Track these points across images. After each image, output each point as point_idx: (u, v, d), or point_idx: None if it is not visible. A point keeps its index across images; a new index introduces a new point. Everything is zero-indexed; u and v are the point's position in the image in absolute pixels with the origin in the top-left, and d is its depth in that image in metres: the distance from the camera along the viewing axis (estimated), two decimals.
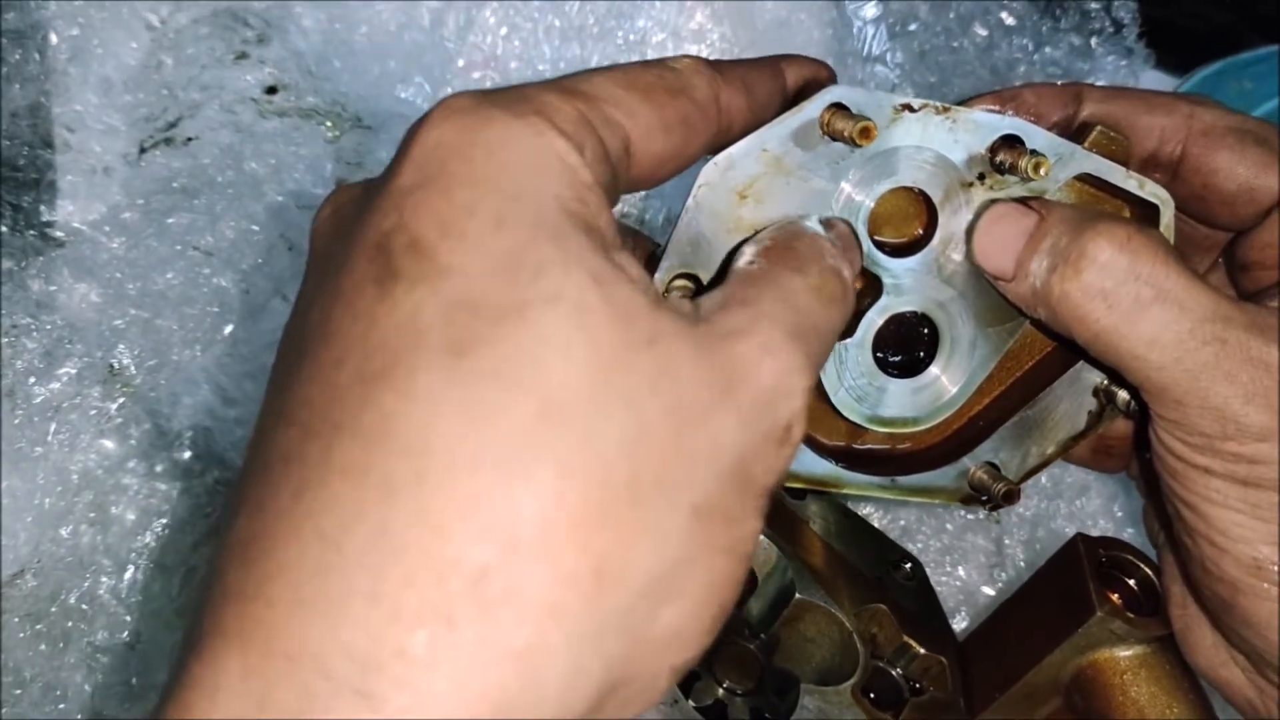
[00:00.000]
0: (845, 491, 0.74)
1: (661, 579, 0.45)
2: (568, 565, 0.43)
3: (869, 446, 0.74)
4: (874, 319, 0.69)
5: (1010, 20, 1.25)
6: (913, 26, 1.24)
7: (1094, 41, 1.26)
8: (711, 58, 0.61)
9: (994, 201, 0.67)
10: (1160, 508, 0.71)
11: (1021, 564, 1.13)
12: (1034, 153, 0.64)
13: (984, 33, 1.24)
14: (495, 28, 1.21)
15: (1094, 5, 1.27)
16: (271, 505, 0.44)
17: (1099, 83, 1.13)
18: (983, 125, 0.65)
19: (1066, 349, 0.71)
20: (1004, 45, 1.24)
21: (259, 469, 0.46)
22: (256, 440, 0.48)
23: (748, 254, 0.57)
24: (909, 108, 0.64)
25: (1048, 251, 0.64)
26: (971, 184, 0.66)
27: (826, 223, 0.62)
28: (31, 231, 1.07)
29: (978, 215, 0.67)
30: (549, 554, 0.43)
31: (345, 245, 0.49)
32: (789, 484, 0.72)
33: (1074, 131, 0.71)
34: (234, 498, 0.47)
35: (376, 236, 0.47)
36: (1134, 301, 0.62)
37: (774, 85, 0.63)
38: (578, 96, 0.51)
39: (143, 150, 1.13)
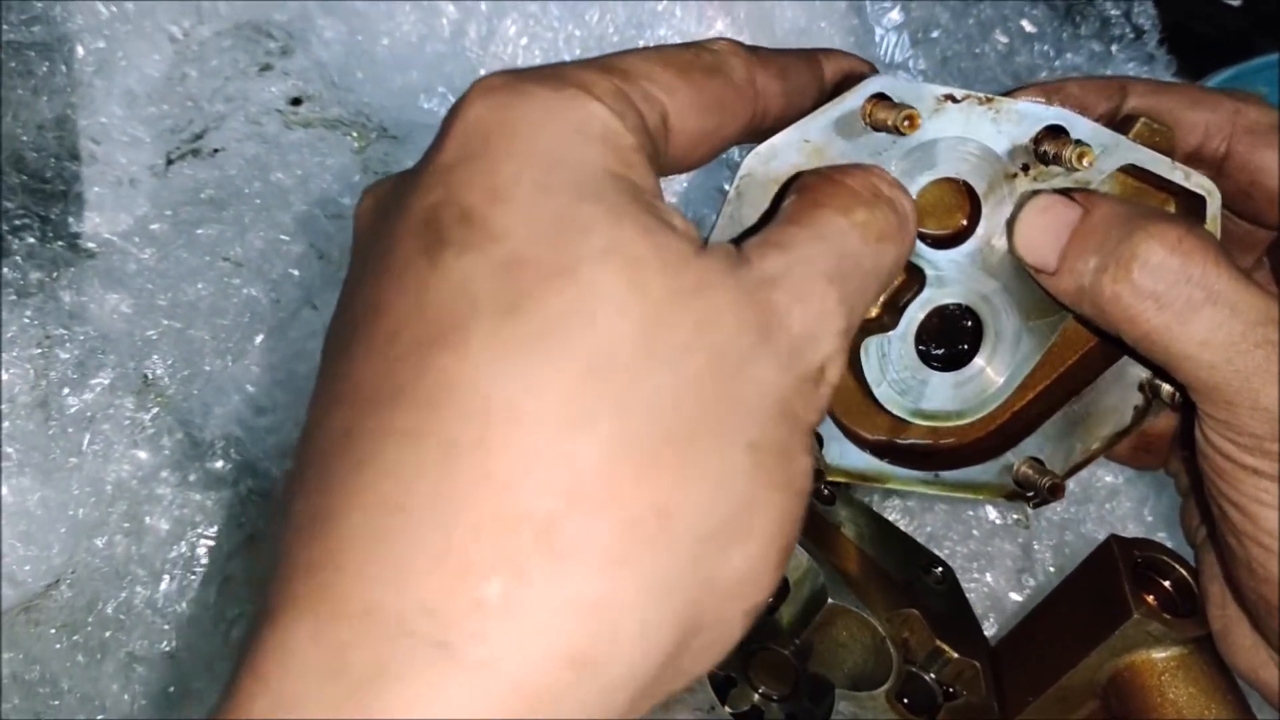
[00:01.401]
0: (888, 486, 0.73)
1: (727, 521, 0.46)
2: (632, 512, 0.44)
3: (912, 441, 0.74)
4: (916, 312, 0.68)
5: (1030, 27, 1.25)
6: (934, 33, 1.24)
7: (1114, 48, 1.26)
8: (777, 49, 0.61)
9: (1036, 193, 0.66)
10: (1204, 507, 0.71)
11: (1050, 569, 1.12)
12: (1078, 143, 0.64)
13: (1005, 39, 1.25)
14: (516, 38, 1.21)
15: (1114, 12, 1.27)
16: (333, 480, 0.45)
17: None
18: (1027, 115, 0.64)
19: (1110, 344, 0.71)
20: (1025, 52, 1.24)
21: (316, 450, 0.46)
22: (310, 426, 0.48)
23: (792, 193, 0.57)
24: (952, 98, 0.63)
25: (1095, 249, 0.64)
26: (1015, 175, 0.65)
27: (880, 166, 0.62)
28: (60, 243, 1.08)
29: (1019, 206, 0.66)
30: (613, 502, 0.43)
31: (390, 225, 0.49)
32: (833, 478, 0.72)
33: (1117, 124, 0.70)
34: (292, 483, 0.47)
35: (423, 211, 0.47)
36: (1186, 303, 0.61)
37: (810, 74, 0.63)
38: (614, 72, 0.52)
39: (170, 162, 1.13)
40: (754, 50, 0.59)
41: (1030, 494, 0.74)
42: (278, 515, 0.48)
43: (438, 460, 0.43)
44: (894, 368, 0.69)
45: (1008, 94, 0.70)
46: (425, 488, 0.43)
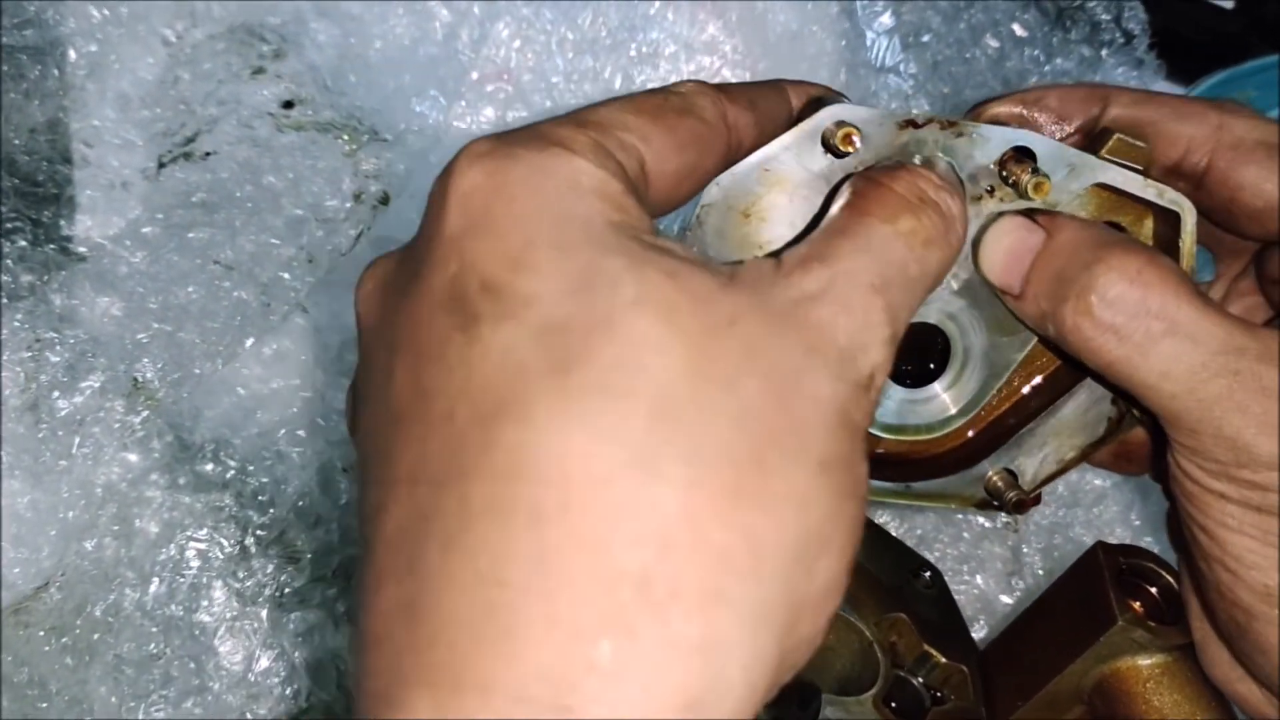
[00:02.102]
0: None
1: (809, 538, 0.47)
2: (721, 548, 0.44)
3: (883, 451, 0.74)
4: None
5: (1021, 32, 1.26)
6: (925, 38, 1.24)
7: (1104, 53, 1.27)
8: (723, 70, 0.62)
9: (1002, 214, 0.66)
10: (1176, 529, 0.71)
11: (1040, 572, 1.13)
12: (1036, 170, 0.64)
13: (996, 44, 1.25)
14: (509, 40, 1.21)
15: (1104, 17, 1.27)
16: (421, 565, 0.45)
17: None
18: (993, 138, 0.65)
19: (1073, 367, 0.71)
20: (1015, 56, 1.25)
21: (391, 536, 0.47)
22: (375, 513, 0.48)
23: (839, 199, 0.57)
24: (914, 124, 0.63)
25: (1056, 279, 0.64)
26: (981, 197, 0.66)
27: (926, 162, 0.62)
28: (51, 246, 1.08)
29: (984, 228, 0.66)
30: (701, 542, 0.44)
31: (408, 305, 0.50)
32: None
33: (1095, 135, 0.70)
34: (369, 573, 0.48)
35: (444, 287, 0.48)
36: (1145, 335, 0.62)
37: (778, 101, 0.64)
38: (589, 126, 0.53)
39: (161, 165, 1.13)
40: (721, 87, 0.60)
41: (999, 505, 0.74)
42: (360, 605, 0.48)
43: (526, 531, 0.44)
44: None
45: (986, 102, 0.70)
46: (520, 560, 0.43)
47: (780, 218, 0.63)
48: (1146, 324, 0.62)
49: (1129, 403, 0.71)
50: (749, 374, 0.47)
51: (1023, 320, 0.67)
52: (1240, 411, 0.61)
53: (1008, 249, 0.66)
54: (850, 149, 0.61)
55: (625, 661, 0.42)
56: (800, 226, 0.63)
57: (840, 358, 0.49)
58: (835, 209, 0.57)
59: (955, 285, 0.68)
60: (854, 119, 0.62)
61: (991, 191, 0.65)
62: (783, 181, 0.62)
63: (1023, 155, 0.65)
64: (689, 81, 0.59)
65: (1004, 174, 0.65)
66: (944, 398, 0.72)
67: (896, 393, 0.71)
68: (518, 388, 0.45)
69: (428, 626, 0.44)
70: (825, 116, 0.62)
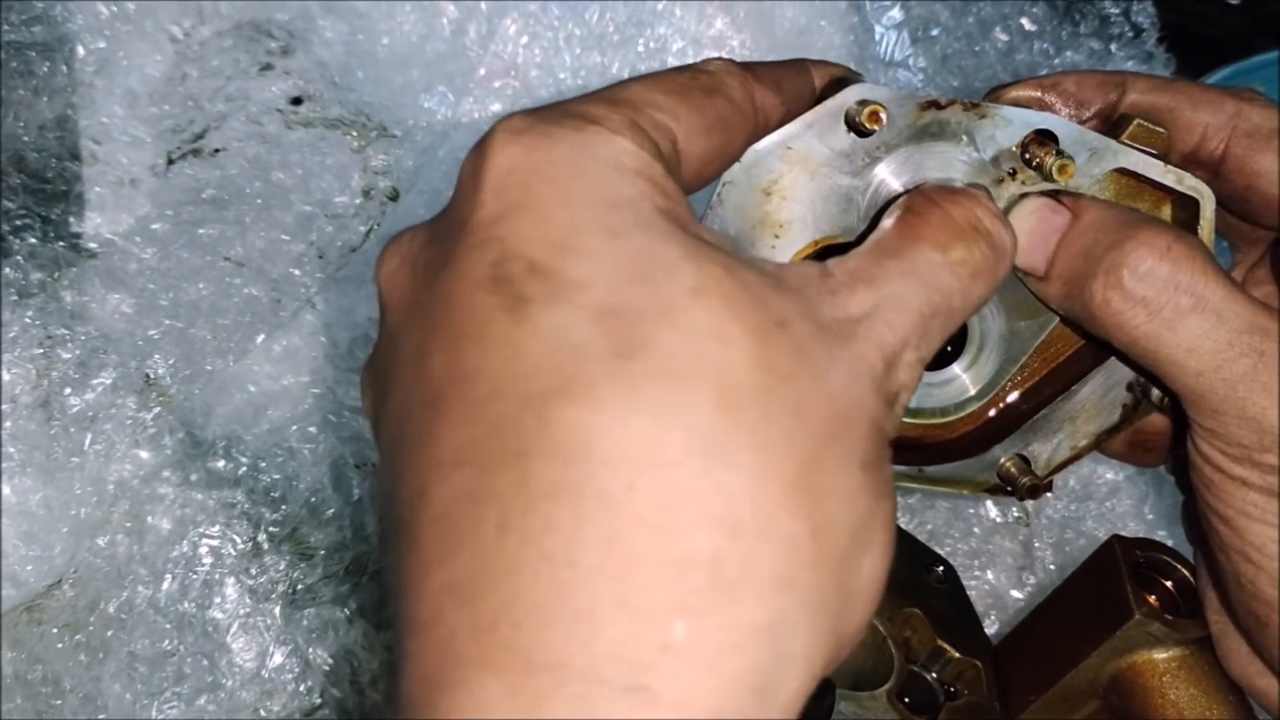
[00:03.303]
0: None
1: (858, 532, 0.47)
2: (788, 536, 0.45)
3: (898, 434, 0.74)
4: None
5: (1030, 25, 1.26)
6: (934, 32, 1.24)
7: (1113, 46, 1.27)
8: (768, 61, 0.62)
9: (1025, 196, 0.66)
10: (1195, 520, 0.71)
11: (1051, 567, 1.12)
12: (1060, 153, 0.64)
13: (1005, 38, 1.25)
14: (516, 36, 1.21)
15: (1113, 11, 1.27)
16: (475, 546, 0.45)
17: None
18: (1015, 120, 0.65)
19: (1098, 347, 0.71)
20: (1024, 50, 1.25)
21: (437, 519, 0.46)
22: (416, 499, 0.48)
23: (891, 217, 0.57)
24: (936, 105, 0.63)
25: (1084, 255, 0.64)
26: (1003, 179, 0.66)
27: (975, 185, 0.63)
28: (61, 243, 1.08)
29: (1008, 210, 0.66)
30: (770, 529, 0.44)
31: (443, 287, 0.49)
32: None
33: (1114, 122, 0.70)
34: (410, 556, 0.47)
35: (484, 269, 0.47)
36: (1174, 309, 0.62)
37: (803, 82, 0.64)
38: (622, 104, 0.52)
39: (170, 162, 1.13)
40: (747, 66, 0.59)
41: (1011, 490, 0.74)
42: (403, 590, 0.48)
43: (595, 513, 0.43)
44: None
45: (1003, 87, 0.70)
46: (589, 541, 0.43)
47: (802, 196, 0.63)
48: (1176, 298, 0.62)
49: (1152, 383, 0.71)
50: (801, 372, 0.47)
51: (1045, 302, 0.67)
52: (1265, 391, 0.61)
53: (1033, 230, 0.66)
54: (876, 126, 0.61)
55: (697, 642, 0.43)
56: (820, 206, 0.64)
57: (878, 374, 0.50)
58: (888, 223, 0.57)
59: None
60: (877, 98, 0.62)
61: (1014, 174, 0.65)
62: (805, 160, 0.62)
63: (1045, 138, 0.65)
64: (716, 60, 0.58)
65: (1026, 156, 0.65)
66: (960, 381, 0.72)
67: None
68: (576, 370, 0.45)
69: (488, 607, 0.44)
70: (849, 96, 0.62)
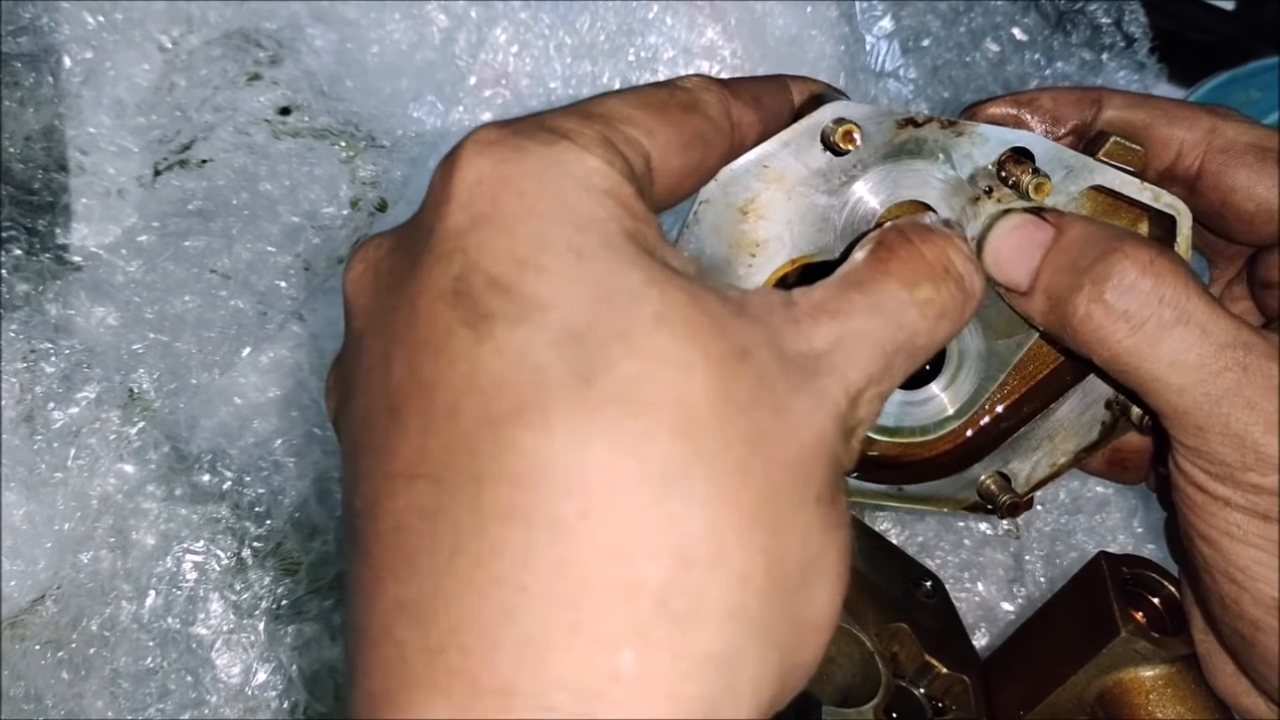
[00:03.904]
0: (852, 499, 0.73)
1: (811, 566, 0.48)
2: (740, 568, 0.45)
3: (877, 453, 0.74)
4: None
5: (1022, 36, 1.25)
6: (925, 42, 1.24)
7: (1105, 56, 1.26)
8: (722, 75, 0.62)
9: (1007, 211, 0.66)
10: (1178, 541, 0.71)
11: (1041, 580, 1.12)
12: (1037, 171, 0.64)
13: (996, 48, 1.25)
14: (506, 45, 1.21)
15: (1105, 20, 1.27)
16: (427, 565, 0.45)
17: None
18: (991, 138, 0.65)
19: (1077, 364, 0.71)
20: (1016, 60, 1.24)
21: (389, 533, 0.46)
22: (369, 508, 0.48)
23: (862, 251, 0.57)
24: (913, 122, 0.63)
25: (1068, 269, 0.63)
26: (979, 197, 0.65)
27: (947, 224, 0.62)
28: (47, 255, 1.07)
29: (989, 225, 0.66)
30: (723, 561, 0.44)
31: (406, 295, 0.49)
32: None
33: (1090, 139, 0.70)
34: (362, 567, 0.47)
35: (447, 281, 0.47)
36: (1157, 324, 0.61)
37: (782, 99, 0.63)
38: (596, 119, 0.52)
39: (157, 173, 1.13)
40: (725, 82, 0.59)
41: (991, 508, 0.74)
42: (353, 602, 0.48)
43: (548, 538, 0.44)
44: None
45: (980, 104, 0.70)
46: (541, 567, 0.43)
47: (779, 215, 0.63)
48: (1159, 312, 0.61)
49: (1132, 401, 0.71)
50: (762, 403, 0.47)
51: (1027, 318, 0.67)
52: (1249, 407, 0.61)
53: (1016, 245, 0.65)
54: (850, 146, 0.61)
55: (647, 671, 0.43)
56: (797, 225, 0.63)
57: (840, 409, 0.50)
58: (859, 256, 0.56)
59: None
60: (854, 116, 0.62)
61: (990, 192, 0.65)
62: (781, 179, 0.62)
63: (1021, 156, 0.65)
64: (694, 76, 0.58)
65: (1003, 174, 0.65)
66: (939, 400, 0.71)
67: (893, 395, 0.70)
68: (535, 392, 0.45)
69: (437, 628, 0.44)
70: (825, 114, 0.61)
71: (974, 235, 0.66)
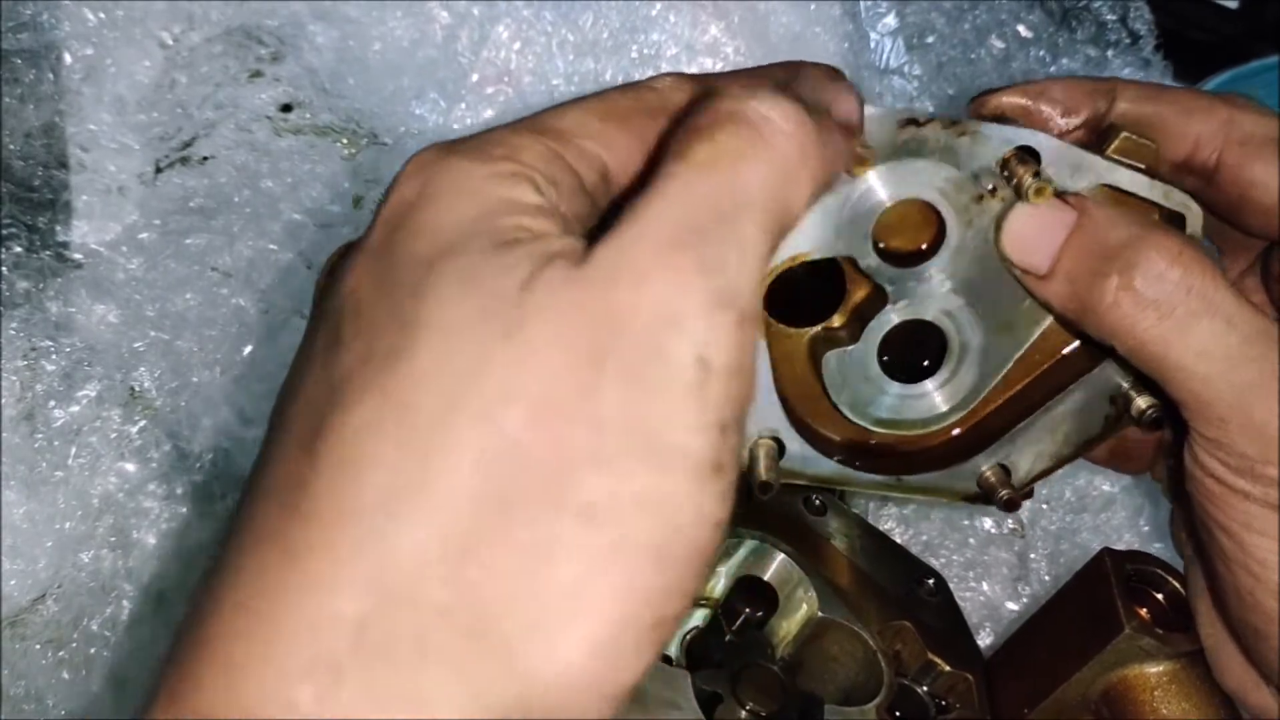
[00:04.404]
0: (852, 490, 0.73)
1: (549, 604, 0.42)
2: (439, 604, 0.42)
3: (877, 443, 0.74)
4: (879, 327, 0.68)
5: (1027, 32, 1.25)
6: (930, 39, 1.24)
7: (1110, 53, 1.26)
8: (725, 71, 0.60)
9: (1009, 212, 0.65)
10: (1192, 531, 0.70)
11: (1046, 578, 1.12)
12: (1039, 175, 0.63)
13: (1001, 45, 1.24)
14: (509, 42, 1.20)
15: (1110, 17, 1.26)
16: (209, 580, 0.45)
17: None
18: (994, 137, 0.64)
19: (1094, 349, 0.70)
20: (1021, 57, 1.24)
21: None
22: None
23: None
24: (915, 122, 0.63)
25: (1095, 255, 0.63)
26: (983, 196, 0.65)
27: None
28: (47, 252, 1.07)
29: (999, 218, 0.65)
30: (419, 595, 0.42)
31: (320, 308, 0.50)
32: (793, 481, 0.71)
33: (1102, 132, 0.70)
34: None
35: (336, 301, 0.48)
36: (1185, 313, 0.61)
37: None
38: (548, 134, 0.51)
39: (158, 170, 1.13)
40: (700, 79, 0.58)
41: (989, 500, 0.74)
42: None
43: (276, 566, 0.43)
44: (855, 380, 0.69)
45: (991, 92, 0.69)
46: (264, 594, 0.43)
47: None
48: (1187, 302, 0.61)
49: (1149, 390, 0.70)
50: (516, 396, 0.43)
51: (1044, 302, 0.67)
52: (1270, 399, 0.61)
53: (1037, 228, 0.65)
54: (861, 172, 0.61)
55: (326, 707, 0.41)
56: (802, 224, 0.63)
57: (636, 354, 0.43)
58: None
59: (955, 281, 0.67)
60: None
61: (994, 191, 0.65)
62: None
63: (1026, 155, 0.64)
64: (667, 75, 0.57)
65: (1007, 173, 0.64)
66: (939, 394, 0.71)
67: (891, 388, 0.70)
68: (325, 415, 0.44)
69: (182, 641, 0.44)
70: None
71: (979, 234, 0.66)
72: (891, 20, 1.25)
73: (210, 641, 0.43)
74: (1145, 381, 0.68)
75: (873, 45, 1.24)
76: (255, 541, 0.44)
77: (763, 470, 0.68)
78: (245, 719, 0.41)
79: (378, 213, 0.50)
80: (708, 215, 0.45)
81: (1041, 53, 1.24)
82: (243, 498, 0.48)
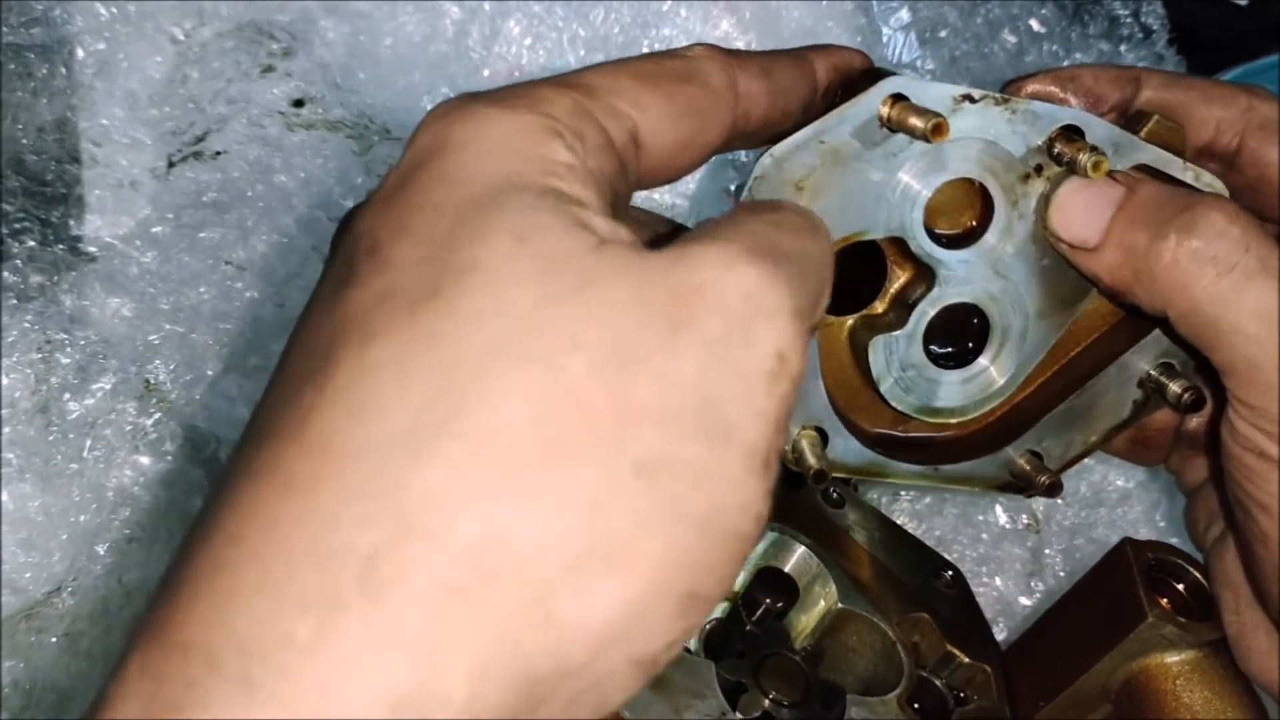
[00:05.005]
0: (887, 480, 0.73)
1: (592, 551, 0.41)
2: (462, 541, 0.40)
3: (912, 434, 0.74)
4: (926, 310, 0.68)
5: (1039, 27, 1.25)
6: (943, 33, 1.24)
7: (1123, 48, 1.26)
8: (755, 51, 0.60)
9: (1054, 190, 0.66)
10: (1228, 511, 0.70)
11: (1060, 574, 1.12)
12: (1094, 149, 0.64)
13: (1013, 39, 1.24)
14: (520, 38, 1.20)
15: (1122, 12, 1.26)
16: (200, 517, 0.44)
17: None
18: (1042, 116, 0.64)
19: (1142, 321, 0.70)
20: (1033, 51, 1.24)
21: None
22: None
23: None
24: (969, 98, 0.63)
25: (1150, 220, 0.63)
26: (1029, 175, 0.65)
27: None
28: (61, 246, 1.07)
29: (1045, 196, 0.66)
30: (440, 530, 0.40)
31: (332, 255, 0.49)
32: (832, 473, 0.71)
33: (1130, 118, 0.70)
34: None
35: (349, 245, 0.47)
36: (1244, 271, 0.61)
37: (797, 72, 0.62)
38: (577, 88, 0.50)
39: (171, 164, 1.13)
40: (734, 53, 0.57)
41: (1026, 488, 0.74)
42: None
43: (272, 498, 0.41)
44: (901, 365, 0.69)
45: (1020, 80, 0.70)
46: (259, 524, 0.41)
47: (833, 191, 0.62)
48: (1245, 260, 0.61)
49: (1196, 360, 0.70)
50: (578, 350, 0.42)
51: (1091, 276, 0.67)
52: None
53: (1085, 201, 0.65)
54: (940, 139, 0.60)
55: (327, 640, 0.39)
56: (849, 201, 0.63)
57: (725, 330, 0.43)
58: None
59: (1000, 263, 0.67)
60: (911, 93, 0.61)
61: (1039, 170, 0.65)
62: (837, 154, 0.62)
63: (1072, 134, 0.65)
64: (699, 45, 0.57)
65: (1055, 152, 0.64)
66: (982, 378, 0.71)
67: (936, 374, 0.70)
68: (333, 352, 0.43)
69: (170, 577, 0.42)
70: (883, 90, 0.61)
71: (1018, 215, 0.66)
72: (904, 15, 1.25)
73: (199, 575, 0.41)
74: (1191, 350, 0.68)
75: (885, 40, 1.24)
76: (250, 475, 0.42)
77: (814, 460, 0.68)
78: (238, 652, 0.39)
79: (397, 164, 0.49)
80: (773, 246, 0.46)
81: (1054, 47, 1.24)
82: (240, 440, 0.46)
